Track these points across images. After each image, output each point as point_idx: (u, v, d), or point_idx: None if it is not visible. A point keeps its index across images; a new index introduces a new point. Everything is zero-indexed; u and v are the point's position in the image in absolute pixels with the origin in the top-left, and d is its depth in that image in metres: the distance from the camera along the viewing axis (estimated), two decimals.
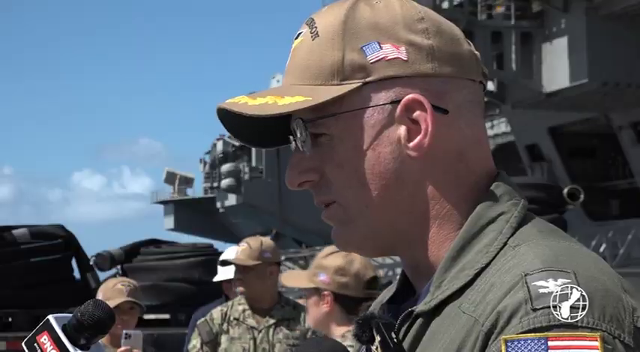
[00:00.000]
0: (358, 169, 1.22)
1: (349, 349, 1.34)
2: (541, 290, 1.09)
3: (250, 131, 1.29)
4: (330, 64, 1.22)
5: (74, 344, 1.39)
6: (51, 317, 1.39)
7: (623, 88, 27.64)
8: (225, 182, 50.92)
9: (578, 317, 1.07)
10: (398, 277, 1.35)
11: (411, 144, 1.21)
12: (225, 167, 51.39)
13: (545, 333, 1.06)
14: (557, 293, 1.08)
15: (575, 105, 29.57)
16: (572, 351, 1.06)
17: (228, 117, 1.25)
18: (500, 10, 28.99)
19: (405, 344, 1.21)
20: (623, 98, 28.74)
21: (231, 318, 4.89)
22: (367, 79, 1.21)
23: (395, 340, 1.21)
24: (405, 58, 1.22)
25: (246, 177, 50.19)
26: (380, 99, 1.22)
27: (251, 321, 4.85)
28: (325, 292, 3.38)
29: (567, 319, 1.07)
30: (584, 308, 1.08)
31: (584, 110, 30.73)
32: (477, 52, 1.28)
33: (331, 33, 1.23)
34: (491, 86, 30.50)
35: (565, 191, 7.09)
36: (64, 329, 1.39)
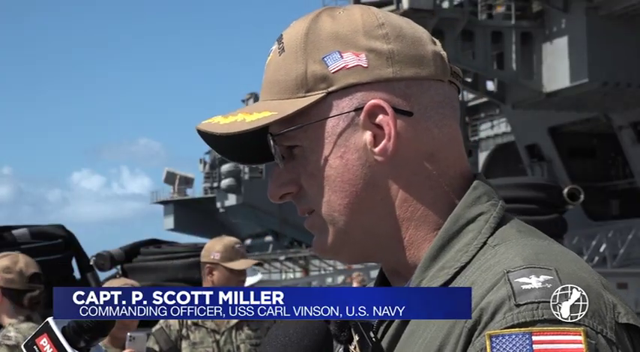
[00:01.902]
0: (329, 177, 1.24)
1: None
2: (524, 287, 1.10)
3: (236, 149, 1.32)
4: (294, 77, 1.25)
5: (74, 346, 1.39)
6: (50, 320, 1.39)
7: (623, 87, 27.61)
8: (225, 182, 50.91)
9: (579, 317, 1.09)
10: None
11: (377, 149, 1.23)
12: (225, 167, 51.35)
13: (530, 328, 1.08)
14: (558, 293, 1.09)
15: (576, 105, 29.55)
16: (556, 346, 1.07)
17: (210, 137, 1.28)
18: (500, 10, 28.97)
19: (384, 343, 1.22)
20: (623, 98, 28.72)
21: (189, 322, 4.77)
22: (330, 89, 1.24)
23: (373, 339, 1.22)
24: (365, 65, 1.23)
25: (246, 177, 50.15)
26: (344, 107, 1.24)
27: (210, 324, 4.77)
28: None
29: (567, 318, 1.08)
30: (584, 308, 1.09)
31: (585, 110, 30.71)
32: (443, 53, 1.28)
33: (294, 47, 1.26)
34: (491, 86, 30.51)
35: (565, 191, 7.07)
36: (63, 332, 1.38)
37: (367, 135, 1.23)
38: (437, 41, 1.29)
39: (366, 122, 1.23)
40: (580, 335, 1.07)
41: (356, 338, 1.24)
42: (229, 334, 4.76)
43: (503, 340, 1.08)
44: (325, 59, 1.24)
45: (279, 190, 1.28)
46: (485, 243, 1.21)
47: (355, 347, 1.24)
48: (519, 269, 1.12)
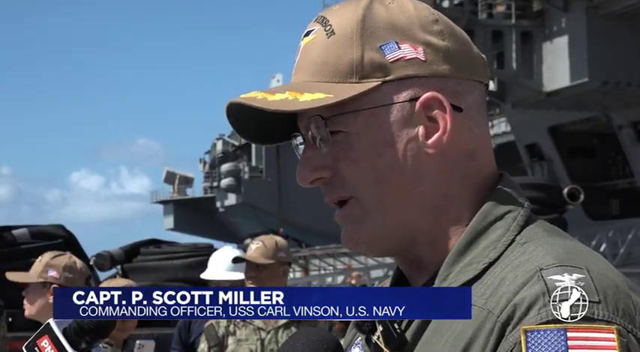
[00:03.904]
0: (376, 166, 1.23)
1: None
2: (557, 284, 1.11)
3: (256, 128, 1.30)
4: (348, 62, 1.24)
5: (74, 347, 1.39)
6: (51, 321, 1.39)
7: (623, 87, 27.62)
8: (224, 181, 50.91)
9: (579, 317, 1.09)
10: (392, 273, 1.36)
11: (430, 142, 1.23)
12: (225, 166, 51.37)
13: (565, 324, 1.09)
14: (557, 293, 1.10)
15: (576, 104, 29.56)
16: (590, 342, 1.08)
17: (235, 114, 1.26)
18: (500, 9, 28.98)
19: (408, 335, 1.22)
20: (624, 97, 28.73)
21: (237, 319, 4.72)
22: (387, 78, 1.23)
23: (398, 330, 1.22)
24: (423, 59, 1.24)
25: (246, 176, 50.16)
26: (399, 97, 1.24)
27: (258, 322, 4.73)
28: (54, 285, 3.94)
29: (567, 318, 1.09)
30: (584, 308, 1.10)
31: (585, 109, 30.72)
32: (484, 56, 1.31)
33: (349, 31, 1.25)
34: (491, 85, 30.16)
35: (565, 191, 7.06)
36: (64, 333, 1.39)
37: (420, 127, 1.24)
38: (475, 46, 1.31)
39: (420, 114, 1.24)
40: (613, 332, 1.08)
41: (380, 328, 1.24)
42: (275, 333, 4.70)
43: (539, 335, 1.09)
44: (383, 48, 1.24)
45: (312, 174, 1.26)
46: (513, 241, 1.22)
47: (379, 338, 1.24)
48: (552, 266, 1.13)
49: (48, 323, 1.39)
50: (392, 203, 1.24)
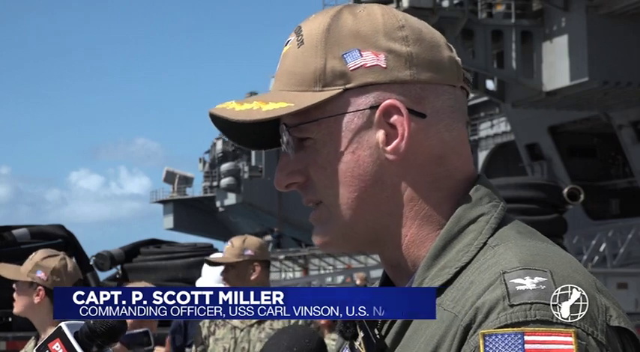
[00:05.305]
0: (339, 171, 1.27)
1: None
2: (518, 288, 1.13)
3: (244, 134, 1.34)
4: (312, 70, 1.27)
5: (86, 351, 1.39)
6: (63, 325, 1.40)
7: (623, 86, 27.59)
8: (224, 181, 50.89)
9: (579, 317, 1.11)
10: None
11: (389, 148, 1.26)
12: (225, 166, 51.35)
13: (522, 328, 1.11)
14: (558, 293, 1.12)
15: (576, 104, 29.54)
16: (547, 346, 1.10)
17: (221, 122, 1.30)
18: (500, 8, 28.95)
19: (388, 340, 1.25)
20: (624, 97, 28.71)
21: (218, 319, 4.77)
22: (347, 86, 1.26)
23: (378, 336, 1.25)
24: (384, 65, 1.26)
25: (246, 176, 50.16)
26: (360, 104, 1.26)
27: (235, 321, 4.75)
28: (40, 287, 3.89)
29: (567, 319, 1.11)
30: (584, 308, 1.12)
31: (585, 109, 30.70)
32: (458, 59, 1.32)
33: (314, 41, 1.28)
34: (491, 85, 30.51)
35: (565, 191, 7.06)
36: (75, 337, 1.39)
37: (380, 134, 1.26)
38: (452, 47, 1.32)
39: (380, 120, 1.26)
40: (571, 336, 1.10)
41: (361, 334, 1.26)
42: (247, 332, 4.73)
43: (496, 339, 1.11)
44: (345, 56, 1.27)
45: (287, 179, 1.30)
46: (485, 244, 1.23)
47: (360, 344, 1.26)
48: (515, 270, 1.15)
49: (60, 326, 1.40)
50: (356, 207, 1.27)
